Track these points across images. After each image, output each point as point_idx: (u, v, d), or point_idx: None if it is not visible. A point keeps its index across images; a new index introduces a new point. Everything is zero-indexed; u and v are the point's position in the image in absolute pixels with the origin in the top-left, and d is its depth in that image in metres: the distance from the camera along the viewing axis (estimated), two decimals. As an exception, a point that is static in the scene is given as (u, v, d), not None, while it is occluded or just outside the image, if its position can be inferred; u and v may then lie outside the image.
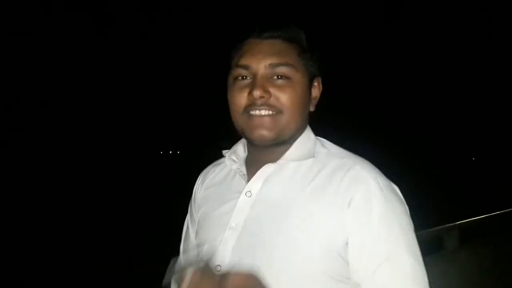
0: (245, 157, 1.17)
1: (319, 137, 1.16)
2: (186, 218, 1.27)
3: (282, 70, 1.02)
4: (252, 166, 1.12)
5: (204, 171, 1.28)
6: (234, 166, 1.15)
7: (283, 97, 1.02)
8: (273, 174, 1.06)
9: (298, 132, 1.09)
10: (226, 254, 1.02)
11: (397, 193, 1.03)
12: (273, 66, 1.02)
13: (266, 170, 1.07)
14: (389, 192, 1.00)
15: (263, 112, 1.02)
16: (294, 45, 1.05)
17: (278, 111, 1.02)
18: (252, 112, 1.03)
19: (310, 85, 1.08)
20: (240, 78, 1.04)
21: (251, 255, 0.99)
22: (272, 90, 1.01)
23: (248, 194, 1.06)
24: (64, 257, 6.20)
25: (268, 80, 1.02)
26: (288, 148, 1.08)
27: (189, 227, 1.25)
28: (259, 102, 1.01)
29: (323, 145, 1.12)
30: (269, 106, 1.02)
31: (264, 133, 1.03)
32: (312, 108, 1.12)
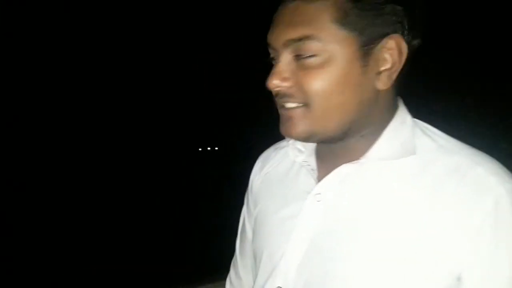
0: (315, 146, 0.88)
1: (417, 121, 0.83)
2: (243, 210, 1.06)
3: (303, 47, 0.73)
4: (324, 160, 0.85)
5: (263, 155, 1.02)
6: (300, 158, 0.87)
7: (308, 84, 0.73)
8: (353, 174, 0.79)
9: (369, 122, 0.78)
10: (290, 273, 0.81)
11: None
12: (291, 42, 0.74)
13: (344, 170, 0.79)
14: None
15: (287, 104, 0.77)
16: (327, 2, 0.71)
17: (304, 103, 0.75)
18: (278, 104, 0.80)
19: (366, 54, 0.73)
20: (272, 59, 0.79)
21: (321, 279, 0.77)
22: (294, 75, 0.75)
23: (318, 197, 0.81)
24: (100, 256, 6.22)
25: (290, 63, 0.75)
26: (374, 140, 0.78)
27: (246, 221, 1.04)
28: (279, 93, 0.77)
29: (425, 134, 0.79)
30: (291, 96, 0.76)
31: (291, 131, 0.78)
32: (383, 85, 0.75)
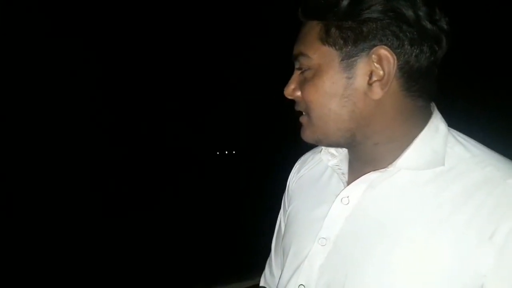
0: (347, 152, 0.91)
1: (453, 130, 0.83)
2: (280, 213, 1.08)
3: (301, 62, 0.81)
4: (353, 165, 0.88)
5: (302, 158, 1.06)
6: (332, 162, 0.91)
7: (304, 95, 0.81)
8: (382, 180, 0.80)
9: (379, 131, 0.79)
10: (313, 273, 0.84)
11: None
12: (295, 57, 0.82)
13: (371, 177, 0.81)
14: None
15: (299, 112, 0.86)
16: (316, 22, 0.78)
17: (306, 113, 0.83)
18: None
19: (350, 66, 0.76)
20: None
21: (341, 281, 0.79)
22: (300, 87, 0.82)
23: (345, 200, 0.83)
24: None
25: (298, 75, 0.83)
26: (404, 148, 0.79)
27: (281, 221, 1.07)
28: (294, 101, 0.85)
29: (458, 143, 0.80)
30: (299, 105, 0.84)
31: (302, 136, 0.86)
32: (376, 95, 0.76)
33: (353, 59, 0.76)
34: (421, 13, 0.74)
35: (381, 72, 0.74)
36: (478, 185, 0.72)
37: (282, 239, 0.99)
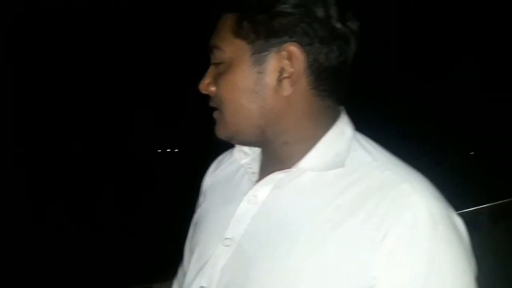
0: (260, 151, 0.91)
1: (359, 134, 0.84)
2: (194, 215, 1.05)
3: (214, 55, 0.81)
4: (263, 164, 0.88)
5: (219, 157, 1.05)
6: (244, 161, 0.91)
7: (217, 90, 0.81)
8: (287, 180, 0.80)
9: (287, 129, 0.79)
10: (215, 275, 0.82)
11: (457, 229, 0.74)
12: (210, 51, 0.82)
13: (276, 177, 0.81)
14: (446, 227, 0.72)
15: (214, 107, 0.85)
16: (230, 15, 0.78)
17: (219, 108, 0.82)
18: None
19: (260, 61, 0.77)
20: None
21: (241, 283, 0.78)
22: (214, 81, 0.81)
23: (252, 200, 0.82)
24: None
25: (213, 69, 0.83)
26: (309, 148, 0.79)
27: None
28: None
29: (362, 147, 0.81)
30: (213, 100, 0.83)
31: (216, 132, 0.84)
32: (285, 92, 0.77)
33: (264, 53, 0.76)
34: (331, 13, 0.74)
35: (291, 69, 0.75)
36: (374, 188, 0.74)
37: (191, 239, 0.97)
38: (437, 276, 0.69)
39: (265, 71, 0.76)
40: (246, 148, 0.90)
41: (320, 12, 0.74)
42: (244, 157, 0.90)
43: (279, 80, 0.76)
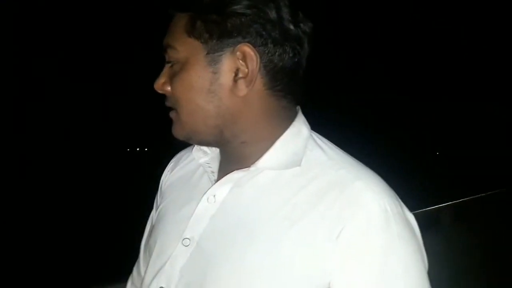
0: (219, 151, 0.91)
1: (315, 134, 0.86)
2: (151, 214, 1.04)
3: (168, 55, 0.80)
4: (222, 164, 0.88)
5: (177, 155, 1.03)
6: (203, 160, 0.90)
7: (172, 90, 0.80)
8: (246, 179, 0.81)
9: (245, 129, 0.80)
10: (174, 275, 0.82)
11: (409, 224, 0.76)
12: (164, 51, 0.81)
13: (235, 176, 0.81)
14: (398, 222, 0.73)
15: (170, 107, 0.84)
16: (184, 15, 0.78)
17: (175, 108, 0.81)
18: None
19: (214, 61, 0.77)
20: None
21: (199, 282, 0.78)
22: (169, 81, 0.81)
23: (211, 199, 0.82)
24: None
25: (168, 69, 0.82)
26: (267, 148, 0.80)
27: (153, 222, 1.03)
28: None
29: (318, 147, 0.82)
30: (168, 100, 0.82)
31: (173, 132, 0.83)
32: (240, 92, 0.77)
33: (218, 53, 0.76)
34: (284, 15, 0.75)
35: (246, 70, 0.75)
36: (330, 186, 0.74)
37: (149, 238, 0.96)
38: (391, 271, 0.70)
39: (220, 71, 0.76)
40: (205, 147, 0.90)
41: (272, 14, 0.74)
42: (203, 156, 0.90)
43: (235, 80, 0.76)
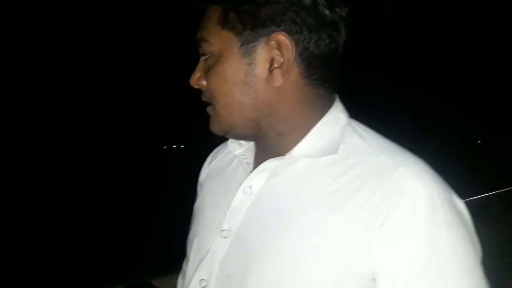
0: (254, 143, 0.90)
1: (354, 121, 0.83)
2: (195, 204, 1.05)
3: (203, 48, 0.79)
4: (257, 155, 0.87)
5: (215, 150, 1.04)
6: (238, 151, 0.89)
7: (208, 84, 0.79)
8: (281, 168, 0.80)
9: (282, 120, 0.78)
10: (214, 267, 0.82)
11: (460, 212, 0.72)
12: (198, 45, 0.80)
13: (270, 164, 0.80)
14: (446, 209, 0.69)
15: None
16: (216, 7, 0.77)
17: (211, 102, 0.81)
18: None
19: (249, 52, 0.75)
20: None
21: (240, 274, 0.77)
22: (205, 75, 0.80)
23: (248, 190, 0.81)
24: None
25: (203, 63, 0.81)
26: (302, 137, 0.78)
27: None
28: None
29: (356, 134, 0.80)
30: (205, 95, 0.82)
31: (211, 127, 0.83)
32: (276, 82, 0.75)
33: (252, 44, 0.74)
34: (318, 0, 0.73)
35: (281, 59, 0.73)
36: (370, 174, 0.72)
37: (190, 232, 0.96)
38: (439, 261, 0.68)
39: (254, 62, 0.75)
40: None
41: (307, 0, 0.72)
42: (238, 148, 0.89)
43: (270, 70, 0.75)
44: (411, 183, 0.70)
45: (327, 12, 0.73)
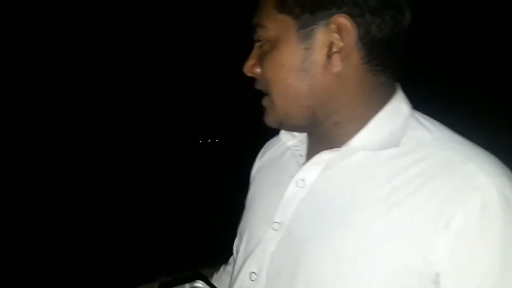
0: (307, 134, 0.87)
1: (418, 113, 0.78)
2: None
3: (258, 33, 0.76)
4: (311, 147, 0.85)
5: (267, 143, 1.04)
6: (291, 143, 0.88)
7: (264, 71, 0.77)
8: (336, 160, 0.76)
9: (338, 108, 0.75)
10: (264, 260, 0.80)
11: None
12: (253, 31, 0.78)
13: (325, 156, 0.77)
14: None
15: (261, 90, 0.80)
16: None
17: (267, 91, 0.78)
18: None
19: (307, 36, 0.72)
20: None
21: (291, 268, 0.75)
22: (260, 62, 0.78)
23: (301, 183, 0.79)
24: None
25: (257, 50, 0.79)
26: (360, 128, 0.75)
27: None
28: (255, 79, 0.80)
29: (421, 126, 0.74)
30: (260, 83, 0.79)
31: (266, 119, 0.81)
32: (335, 68, 0.72)
33: (310, 28, 0.72)
34: None
35: (341, 43, 0.70)
36: (436, 169, 0.68)
37: (240, 223, 0.96)
38: None
39: (312, 47, 0.72)
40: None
41: None
42: (291, 139, 0.88)
43: (328, 55, 0.72)
44: (481, 180, 0.65)
45: None
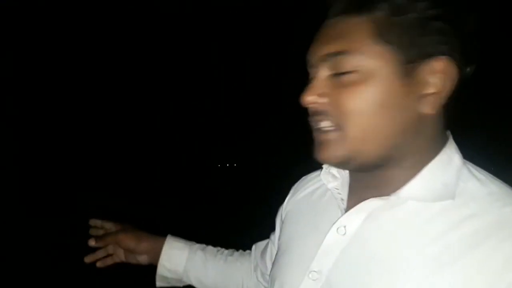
0: (350, 174, 0.81)
1: (469, 163, 0.73)
2: (272, 238, 1.06)
3: (340, 62, 0.68)
4: (354, 190, 0.78)
5: (299, 181, 0.97)
6: (332, 185, 0.81)
7: (344, 103, 0.68)
8: (383, 210, 0.71)
9: (410, 153, 0.69)
10: None
11: None
12: (328, 57, 0.69)
13: (371, 204, 0.71)
14: None
15: (321, 124, 0.72)
16: (366, 17, 0.67)
17: (338, 125, 0.70)
18: (312, 125, 0.75)
19: (407, 73, 0.66)
20: (311, 78, 0.74)
21: None
22: (331, 93, 0.70)
23: (341, 230, 0.74)
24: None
25: (327, 79, 0.71)
26: (412, 175, 0.69)
27: (270, 242, 1.07)
28: (312, 111, 0.73)
29: (473, 178, 0.70)
30: (327, 115, 0.71)
31: (324, 155, 0.72)
32: (427, 110, 0.67)
33: (413, 64, 0.65)
34: (476, 27, 0.66)
35: (438, 86, 0.65)
36: (493, 227, 0.62)
37: (273, 265, 0.90)
38: None
39: (410, 85, 0.66)
40: (334, 170, 0.81)
41: (470, 25, 0.65)
42: (333, 181, 0.81)
43: (423, 96, 0.67)
44: None
45: (476, 42, 0.67)
